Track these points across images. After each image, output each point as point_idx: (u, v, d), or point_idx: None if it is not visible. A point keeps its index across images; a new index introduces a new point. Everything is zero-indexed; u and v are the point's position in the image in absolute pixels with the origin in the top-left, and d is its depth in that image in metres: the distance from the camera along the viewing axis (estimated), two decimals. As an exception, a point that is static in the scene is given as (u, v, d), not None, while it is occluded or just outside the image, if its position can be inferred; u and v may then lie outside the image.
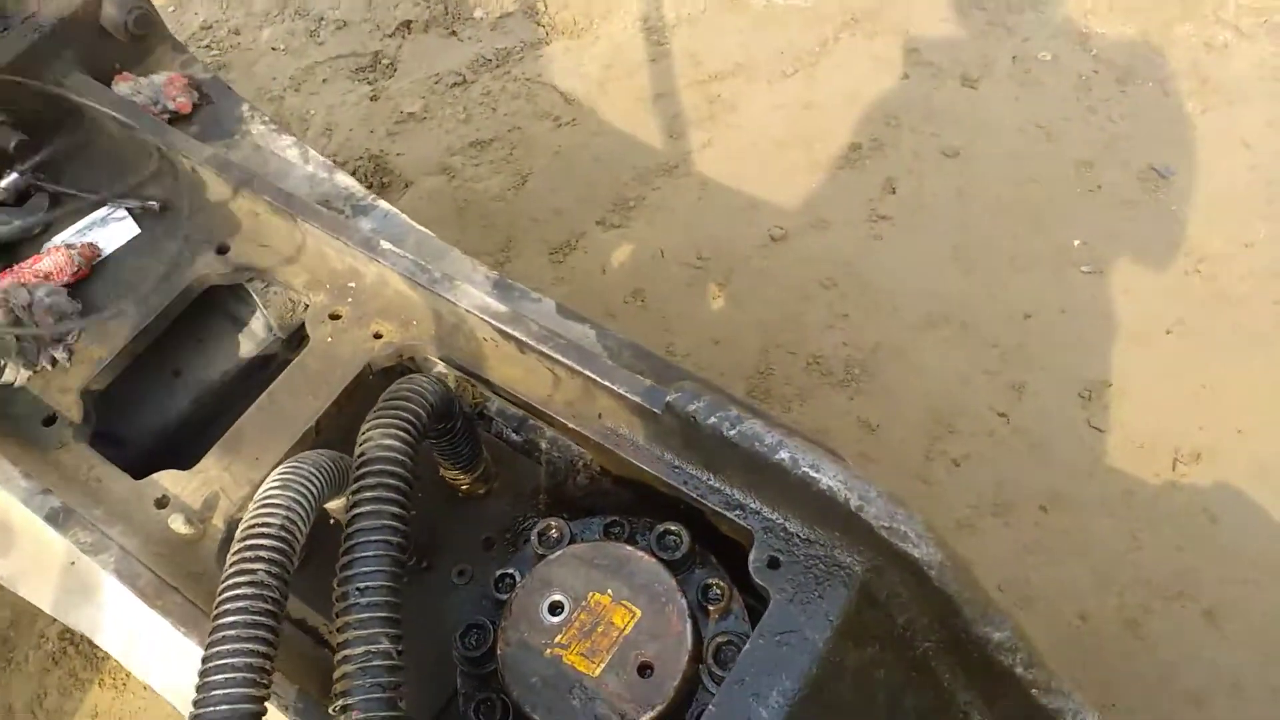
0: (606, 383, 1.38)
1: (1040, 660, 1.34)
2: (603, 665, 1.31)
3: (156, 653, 1.28)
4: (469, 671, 1.41)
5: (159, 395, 1.79)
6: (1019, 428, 2.48)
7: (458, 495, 1.74)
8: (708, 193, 2.95)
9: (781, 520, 1.34)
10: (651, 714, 1.28)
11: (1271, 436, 2.39)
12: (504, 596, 1.44)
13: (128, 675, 2.35)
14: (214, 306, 1.85)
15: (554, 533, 1.48)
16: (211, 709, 1.02)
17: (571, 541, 1.47)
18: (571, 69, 3.29)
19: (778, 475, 1.26)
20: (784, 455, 1.24)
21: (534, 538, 1.48)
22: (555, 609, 1.36)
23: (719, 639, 1.36)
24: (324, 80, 3.40)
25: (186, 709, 1.28)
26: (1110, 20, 3.19)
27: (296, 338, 1.88)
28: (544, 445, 1.77)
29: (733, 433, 1.27)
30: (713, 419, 1.29)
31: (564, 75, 3.29)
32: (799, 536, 1.33)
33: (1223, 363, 2.51)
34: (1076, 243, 2.76)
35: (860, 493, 1.21)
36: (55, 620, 2.38)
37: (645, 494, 1.57)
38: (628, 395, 1.37)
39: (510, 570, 1.47)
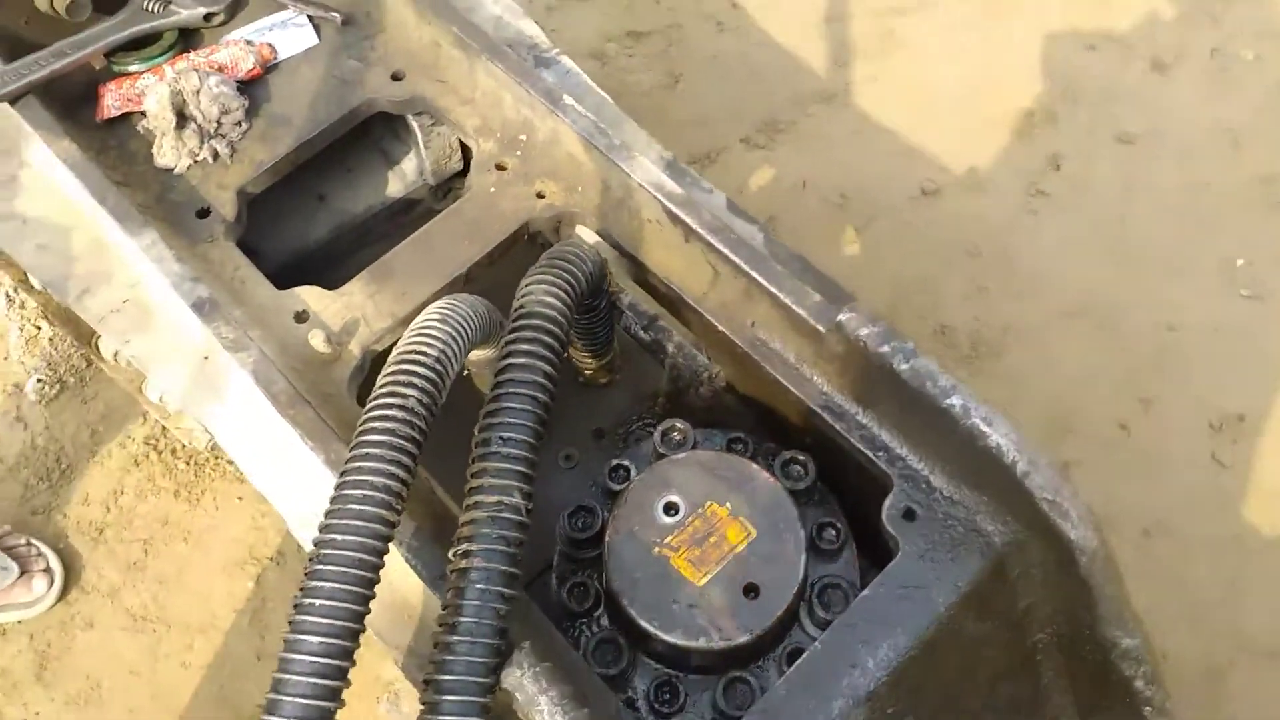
0: (773, 289, 1.31)
1: (1160, 680, 1.27)
2: (709, 576, 1.27)
3: (277, 461, 1.27)
4: (569, 553, 1.38)
5: (301, 216, 1.77)
6: (1139, 444, 2.36)
7: (578, 379, 1.70)
8: (864, 130, 2.82)
9: (926, 471, 1.27)
10: (748, 637, 1.24)
11: (1404, 509, 2.25)
12: (617, 486, 1.40)
13: (202, 491, 2.39)
14: (369, 137, 1.81)
15: (677, 435, 1.44)
16: (345, 522, 1.00)
17: (694, 448, 1.42)
18: (746, -26, 3.15)
19: (941, 422, 1.19)
20: (955, 401, 1.17)
21: (657, 435, 1.44)
22: (670, 509, 1.32)
23: (826, 580, 1.32)
24: (492, -61, 3.30)
25: (300, 522, 1.29)
26: (1328, 33, 2.95)
27: (445, 188, 1.84)
28: (670, 349, 1.71)
29: (904, 366, 1.20)
30: (885, 347, 1.22)
31: (736, -21, 3.15)
32: (942, 493, 1.26)
33: (1371, 421, 2.36)
34: (1241, 262, 2.59)
35: (1031, 458, 1.14)
36: (143, 421, 2.46)
37: (770, 417, 1.51)
38: (793, 307, 1.30)
39: (626, 462, 1.43)
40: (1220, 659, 2.11)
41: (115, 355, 2.02)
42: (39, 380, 2.53)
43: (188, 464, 2.41)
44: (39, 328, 2.60)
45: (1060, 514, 1.13)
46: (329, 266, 1.75)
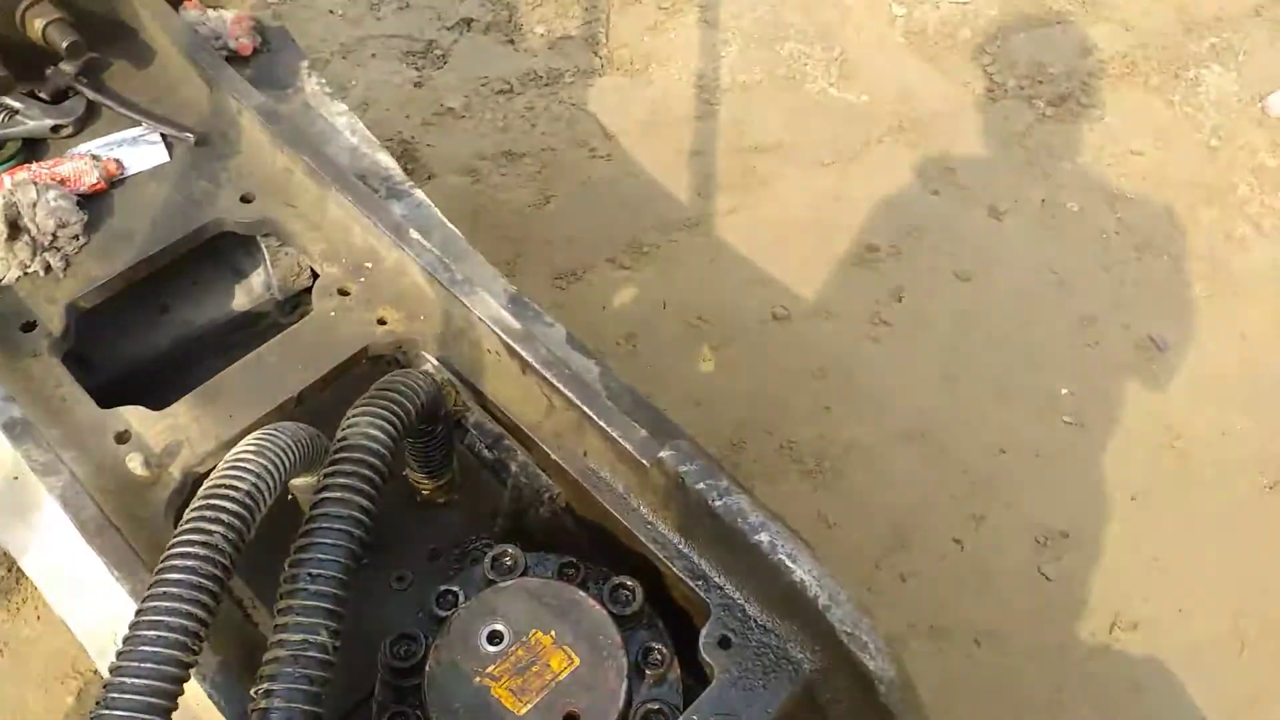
0: (603, 423, 1.36)
1: (962, 799, 1.32)
2: (530, 706, 1.27)
3: (82, 590, 1.23)
4: (390, 681, 1.36)
5: (141, 327, 1.75)
6: (971, 558, 2.49)
7: (415, 499, 1.70)
8: (722, 257, 2.96)
9: (742, 601, 1.32)
10: (568, 767, 1.24)
11: (1209, 621, 2.42)
12: (443, 613, 1.40)
13: (22, 601, 2.27)
14: (218, 253, 1.81)
15: (509, 560, 1.45)
16: (136, 664, 0.97)
17: (525, 573, 1.44)
18: (618, 106, 3.31)
19: (752, 556, 1.25)
20: (763, 538, 1.23)
21: (487, 561, 1.45)
22: (494, 638, 1.32)
23: (650, 705, 1.33)
24: (373, 55, 3.39)
25: (99, 653, 1.24)
26: (1141, 189, 3.26)
27: (292, 304, 1.85)
28: (514, 469, 1.73)
29: (718, 503, 1.26)
30: (701, 484, 1.27)
31: (609, 110, 3.30)
32: (755, 621, 1.31)
33: (1178, 540, 2.54)
34: (1064, 391, 2.79)
35: (831, 593, 1.20)
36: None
37: (605, 542, 1.55)
38: (621, 441, 1.35)
39: (455, 588, 1.43)
40: (1043, 762, 2.20)
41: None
42: None
43: (9, 571, 2.28)
44: None
45: (859, 646, 1.19)
46: (168, 379, 1.72)
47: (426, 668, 1.30)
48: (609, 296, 2.87)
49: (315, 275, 1.79)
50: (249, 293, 1.80)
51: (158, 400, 1.44)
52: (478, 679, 1.29)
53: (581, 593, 1.37)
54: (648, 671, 1.37)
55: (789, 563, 1.21)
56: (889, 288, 2.94)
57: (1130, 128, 3.43)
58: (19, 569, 2.27)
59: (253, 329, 1.83)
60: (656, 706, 1.33)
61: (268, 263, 1.70)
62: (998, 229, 3.15)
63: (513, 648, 1.31)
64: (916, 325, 2.87)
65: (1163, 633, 2.39)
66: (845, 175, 3.21)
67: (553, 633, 1.33)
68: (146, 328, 1.74)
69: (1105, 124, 3.45)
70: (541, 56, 3.44)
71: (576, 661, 1.31)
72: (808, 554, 1.23)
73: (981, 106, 3.45)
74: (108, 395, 1.45)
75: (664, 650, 1.39)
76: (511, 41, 3.48)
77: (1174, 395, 2.81)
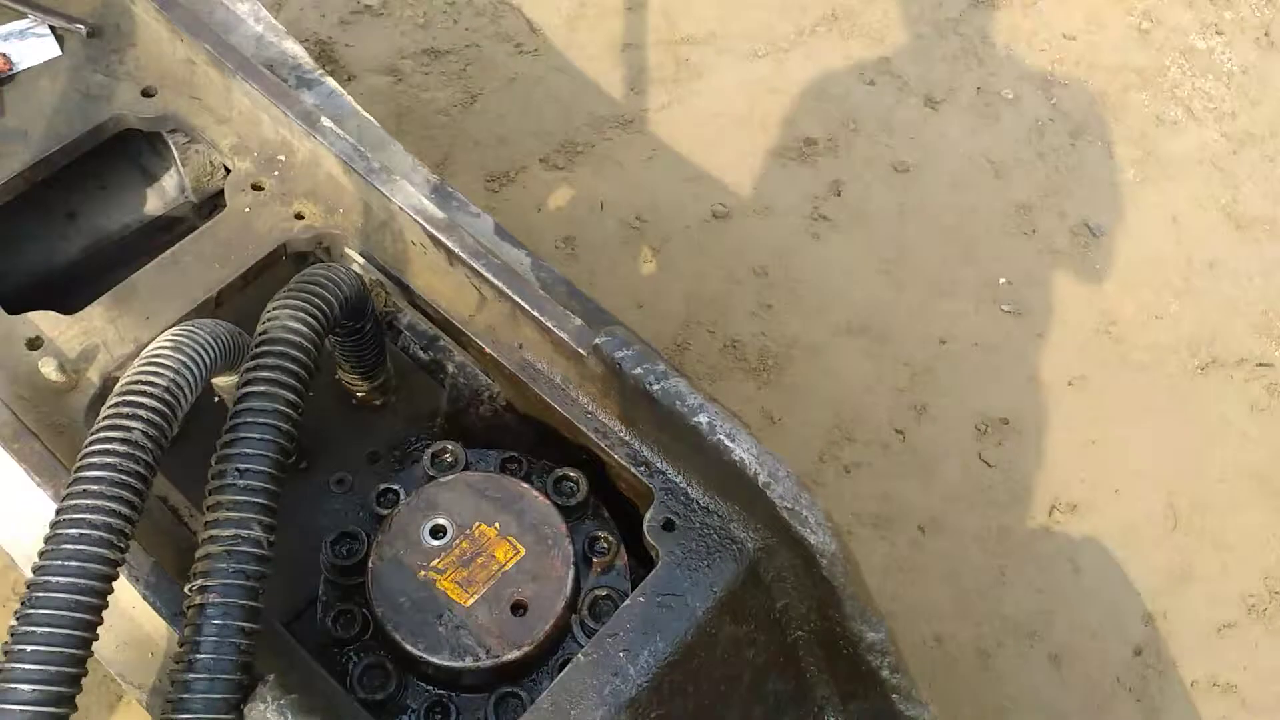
0: (536, 313, 1.33)
1: (905, 668, 1.35)
2: (476, 597, 1.27)
3: (3, 499, 1.18)
4: (334, 580, 1.35)
5: (48, 235, 1.66)
6: (913, 447, 2.52)
7: (351, 401, 1.66)
8: (658, 155, 2.90)
9: (684, 484, 1.32)
10: (517, 654, 1.25)
11: (1144, 501, 2.49)
12: (385, 511, 1.38)
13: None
14: (125, 153, 1.71)
15: (448, 456, 1.43)
16: (60, 563, 0.93)
17: (466, 469, 1.42)
18: (544, -1, 3.19)
19: (691, 438, 1.24)
20: (702, 419, 1.22)
21: (427, 458, 1.43)
22: (437, 533, 1.31)
23: (597, 592, 1.34)
24: (285, -49, 3.21)
25: (26, 561, 1.20)
26: (1074, 73, 3.25)
27: (209, 205, 1.77)
28: (450, 369, 1.70)
29: (655, 387, 1.24)
30: (638, 369, 1.25)
31: (535, 3, 3.17)
32: (698, 504, 1.31)
33: (1113, 423, 2.60)
34: (1002, 280, 2.81)
35: (770, 470, 1.20)
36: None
37: (548, 436, 1.53)
38: (555, 330, 1.32)
39: (395, 486, 1.42)
40: (989, 641, 2.27)
41: None
42: None
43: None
44: None
45: (800, 521, 1.19)
46: (80, 288, 1.64)
47: (369, 564, 1.28)
48: (543, 198, 2.80)
49: (229, 173, 1.71)
50: (161, 195, 1.71)
51: (72, 307, 1.38)
52: (422, 573, 1.28)
53: (524, 485, 1.36)
54: (595, 560, 1.37)
55: (728, 442, 1.21)
56: (827, 181, 2.91)
57: (1062, 12, 3.39)
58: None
59: (170, 233, 1.75)
60: (605, 593, 1.34)
61: (177, 161, 1.61)
62: (934, 119, 3.12)
63: (456, 541, 1.30)
64: (856, 219, 2.86)
65: (1099, 514, 2.46)
66: (779, 66, 3.14)
67: (496, 524, 1.32)
68: (53, 236, 1.65)
69: (1038, 9, 3.40)
70: (464, -51, 3.28)
71: (522, 552, 1.30)
72: (746, 433, 1.22)
73: (915, -7, 3.39)
74: (15, 303, 1.37)
75: (610, 538, 1.39)
76: (432, -66, 3.31)
77: (1108, 280, 2.85)
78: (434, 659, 1.23)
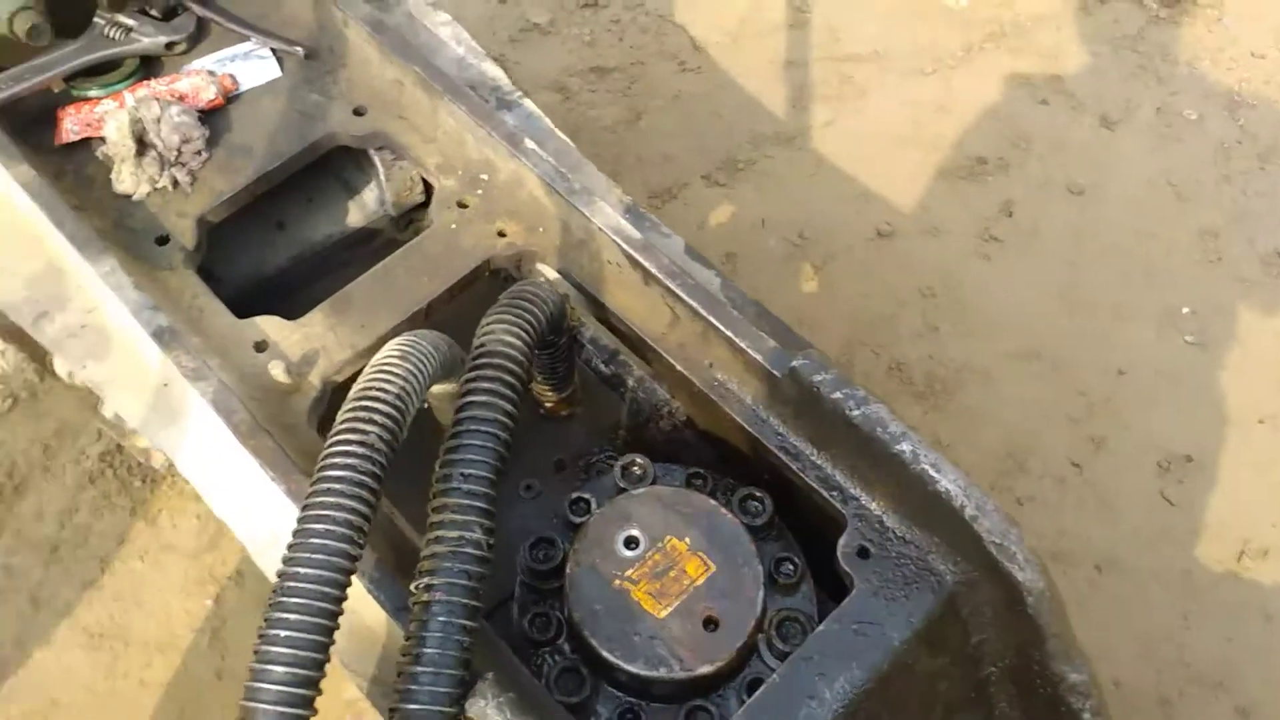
0: (730, 334, 1.33)
1: (1107, 712, 1.29)
2: (669, 609, 1.28)
3: (239, 491, 1.26)
4: (530, 583, 1.38)
5: (259, 244, 1.76)
6: (1091, 482, 2.42)
7: (539, 411, 1.71)
8: (821, 172, 2.88)
9: (879, 512, 1.30)
10: (709, 668, 1.25)
11: (1344, 549, 2.32)
12: (578, 519, 1.41)
13: (159, 510, 2.36)
14: (329, 168, 1.81)
15: (638, 469, 1.45)
16: (308, 555, 1.00)
17: (654, 482, 1.44)
18: (707, 16, 3.21)
19: (891, 466, 1.22)
20: (905, 447, 1.20)
21: (617, 469, 1.45)
22: (630, 543, 1.33)
23: (784, 613, 1.33)
24: (458, -27, 3.33)
25: (258, 551, 1.28)
26: (1264, 93, 3.07)
27: (405, 219, 1.85)
28: (630, 383, 1.73)
29: (856, 413, 1.23)
30: (837, 394, 1.24)
31: (698, 21, 3.21)
32: (894, 532, 1.29)
33: (1309, 464, 2.43)
34: (1185, 310, 2.67)
35: (978, 502, 1.17)
36: (98, 439, 2.41)
37: (728, 453, 1.53)
38: (750, 351, 1.32)
39: (587, 495, 1.44)
40: (1170, 689, 2.16)
41: (70, 375, 1.98)
42: (-10, 394, 2.49)
43: (143, 482, 2.37)
44: (-12, 344, 2.56)
45: (1008, 557, 1.16)
46: (287, 294, 1.74)
47: (567, 570, 1.31)
48: (705, 215, 2.82)
49: (428, 191, 1.79)
50: (362, 209, 1.79)
51: (284, 311, 1.46)
52: (617, 582, 1.30)
53: (713, 501, 1.37)
54: (780, 581, 1.37)
55: (933, 472, 1.18)
56: (998, 202, 2.83)
57: (1250, 29, 3.21)
58: (153, 480, 2.36)
59: (367, 246, 1.84)
60: (791, 615, 1.33)
61: (381, 177, 1.69)
62: (1110, 139, 3.00)
63: (649, 553, 1.32)
64: (1028, 241, 2.77)
65: (1294, 561, 2.31)
66: (946, 84, 3.08)
67: (687, 539, 1.33)
68: (264, 244, 1.76)
69: (1223, 25, 3.24)
70: (628, -32, 3.34)
71: (713, 568, 1.31)
72: (951, 464, 1.19)
73: (1088, 9, 3.27)
74: (237, 306, 1.47)
75: (796, 560, 1.38)
76: (597, -46, 3.38)
77: (1303, 312, 2.68)
78: (629, 667, 1.25)
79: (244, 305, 1.48)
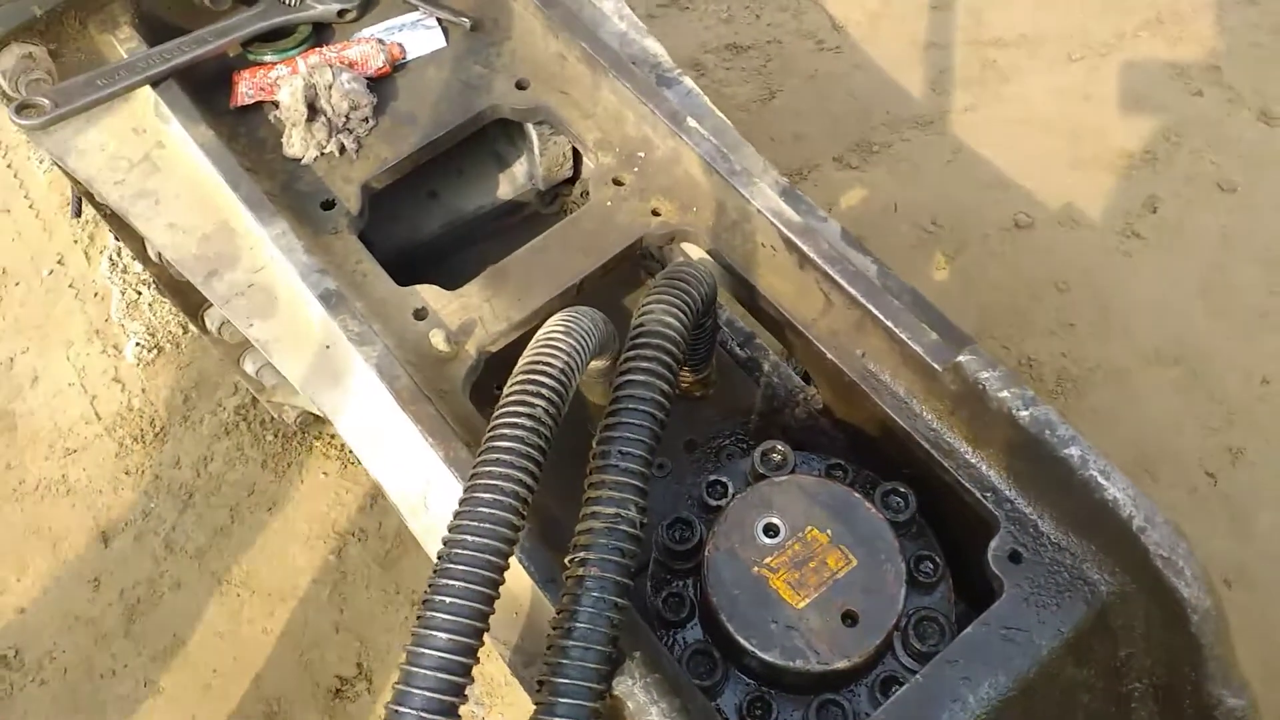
0: (889, 323, 1.31)
1: (1260, 739, 1.25)
2: (808, 600, 1.28)
3: (396, 454, 1.30)
4: (665, 562, 1.40)
5: (413, 211, 1.81)
6: (1225, 493, 2.33)
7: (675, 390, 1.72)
8: (959, 159, 2.81)
9: (1035, 516, 1.27)
10: (845, 663, 1.25)
11: None
12: (715, 502, 1.42)
13: (288, 464, 2.45)
14: (482, 141, 1.84)
15: (778, 456, 1.45)
16: (476, 524, 1.03)
17: (793, 471, 1.43)
18: (848, -5, 3.16)
19: (1056, 470, 1.19)
20: (1073, 451, 1.17)
21: (756, 455, 1.45)
22: (770, 531, 1.33)
23: (922, 612, 1.32)
24: (597, -55, 3.33)
25: (410, 512, 1.32)
26: None
27: (551, 194, 1.87)
28: (766, 368, 1.73)
29: (1023, 413, 1.20)
30: (1005, 393, 1.22)
31: (838, 0, 3.15)
32: (1049, 538, 1.26)
33: None
34: (1342, 320, 2.54)
35: (1147, 513, 1.13)
36: (235, 391, 2.52)
37: (865, 445, 1.52)
38: (910, 343, 1.30)
39: (724, 479, 1.45)
40: (1299, 714, 2.07)
41: (219, 329, 2.07)
42: (138, 344, 2.62)
43: (275, 436, 2.47)
44: (139, 292, 2.69)
45: (1175, 571, 1.12)
46: (435, 261, 1.79)
47: (706, 553, 1.32)
48: (836, 197, 2.78)
49: (576, 167, 1.80)
50: (512, 182, 1.82)
51: (433, 278, 1.49)
52: (755, 569, 1.30)
53: (856, 494, 1.36)
54: (920, 580, 1.35)
55: (1101, 479, 1.15)
56: (1142, 197, 2.72)
57: None
58: (284, 435, 2.46)
59: (513, 217, 1.87)
60: (930, 615, 1.32)
61: (535, 151, 1.71)
62: (1269, 135, 2.85)
63: (789, 542, 1.32)
64: (1173, 239, 2.66)
65: None
66: (1095, 72, 2.96)
67: (829, 531, 1.32)
68: (418, 213, 1.80)
69: (1403, 19, 3.04)
70: (768, -56, 3.29)
71: (854, 562, 1.30)
72: (1120, 472, 1.16)
73: (1254, -3, 3.10)
74: (390, 272, 1.51)
75: (937, 560, 1.37)
76: (737, -72, 3.34)
77: None
78: (764, 655, 1.25)
79: (397, 270, 1.52)
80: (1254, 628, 2.17)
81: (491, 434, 1.09)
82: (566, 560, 1.11)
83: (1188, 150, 2.81)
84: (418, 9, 1.71)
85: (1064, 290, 2.57)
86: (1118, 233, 2.67)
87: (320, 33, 1.73)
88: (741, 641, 1.26)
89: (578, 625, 1.07)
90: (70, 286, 2.75)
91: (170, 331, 2.64)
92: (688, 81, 1.62)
